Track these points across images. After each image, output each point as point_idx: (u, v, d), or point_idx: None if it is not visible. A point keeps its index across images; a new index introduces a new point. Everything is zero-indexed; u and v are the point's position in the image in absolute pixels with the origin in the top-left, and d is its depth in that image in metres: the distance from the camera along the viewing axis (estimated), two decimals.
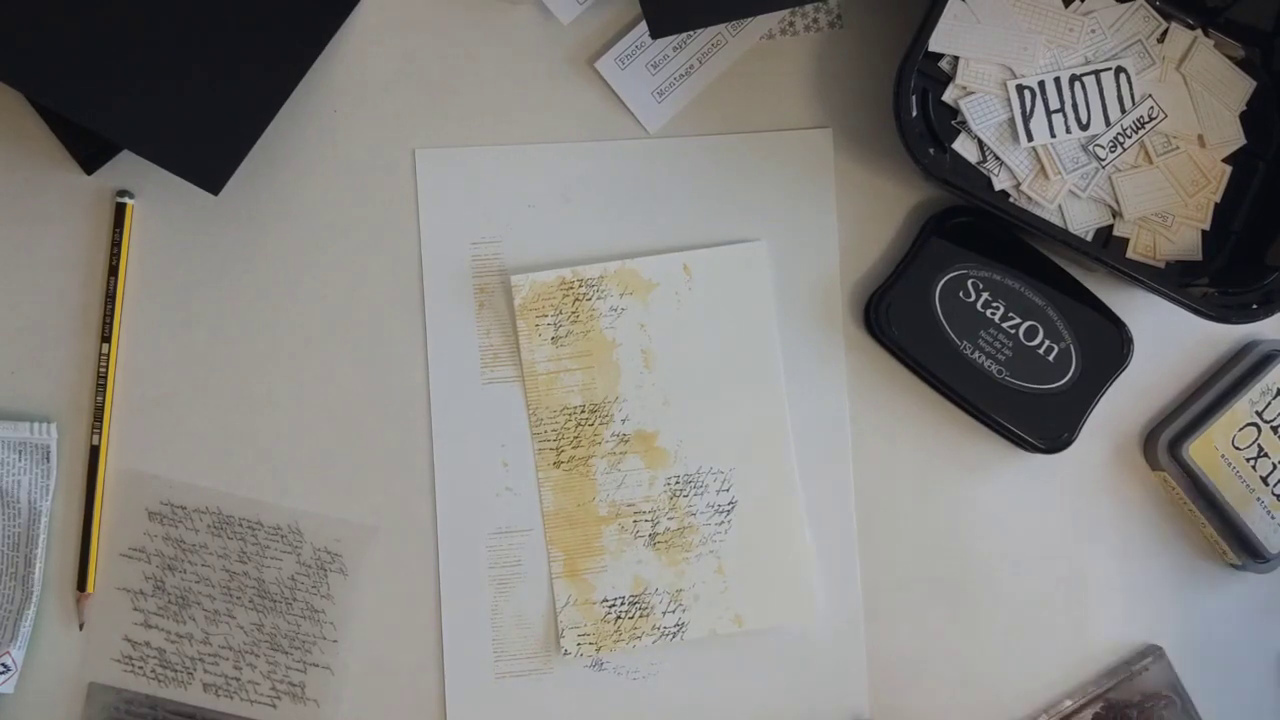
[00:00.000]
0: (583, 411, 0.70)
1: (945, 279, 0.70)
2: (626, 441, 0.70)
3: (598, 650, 0.69)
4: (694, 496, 0.70)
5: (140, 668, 0.68)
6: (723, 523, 0.70)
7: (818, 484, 0.71)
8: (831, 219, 0.72)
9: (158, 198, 0.70)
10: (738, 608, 0.70)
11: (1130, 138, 0.71)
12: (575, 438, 0.70)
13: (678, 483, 0.70)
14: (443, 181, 0.70)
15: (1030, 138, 0.70)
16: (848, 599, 0.71)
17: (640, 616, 0.69)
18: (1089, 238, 0.71)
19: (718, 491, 0.70)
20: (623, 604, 0.69)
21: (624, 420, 0.70)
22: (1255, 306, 0.67)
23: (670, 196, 0.71)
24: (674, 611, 0.69)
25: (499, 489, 0.70)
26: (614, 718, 0.70)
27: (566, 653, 0.69)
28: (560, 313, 0.70)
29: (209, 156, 0.66)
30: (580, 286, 0.70)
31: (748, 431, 0.70)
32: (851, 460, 0.71)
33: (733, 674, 0.70)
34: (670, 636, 0.69)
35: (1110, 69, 0.71)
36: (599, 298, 0.70)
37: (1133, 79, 0.71)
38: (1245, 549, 0.70)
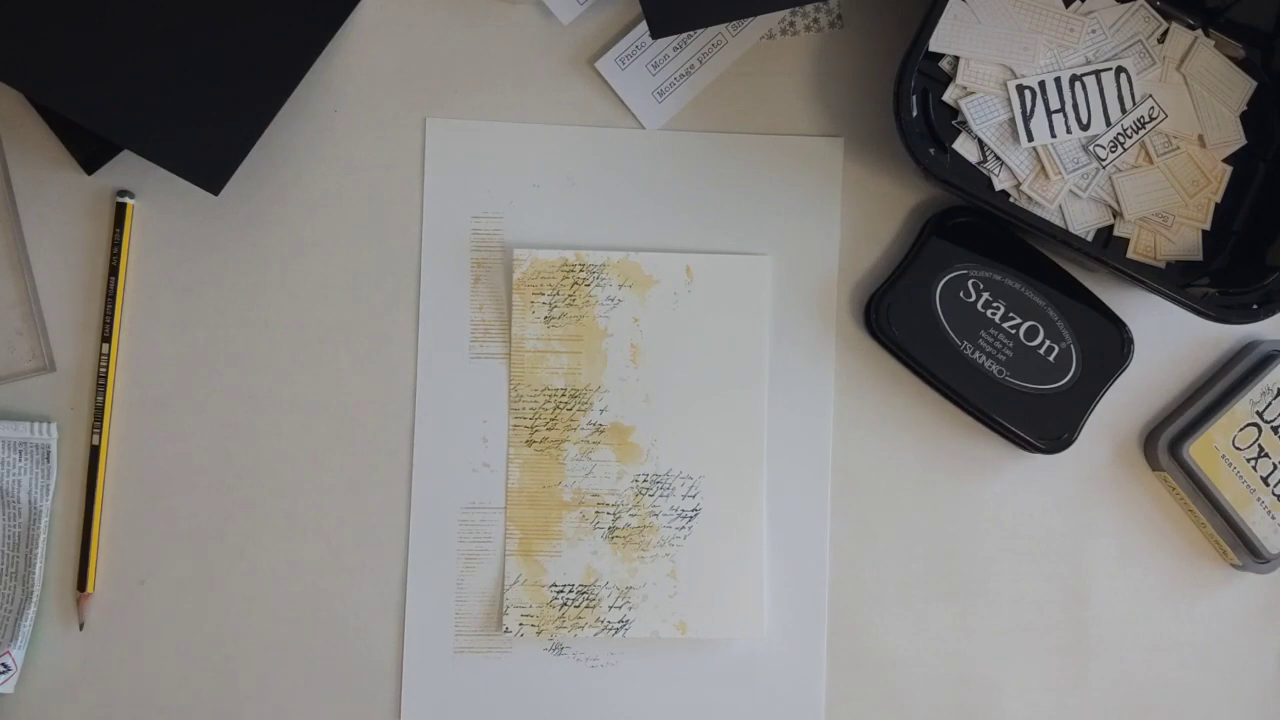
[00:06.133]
0: (563, 395, 0.70)
1: (946, 279, 0.70)
2: (602, 432, 0.70)
3: (538, 634, 0.69)
4: (659, 497, 0.70)
5: None
6: (684, 528, 0.70)
7: (793, 500, 0.71)
8: (836, 225, 0.72)
9: (158, 198, 0.70)
10: (683, 614, 0.70)
11: (1131, 138, 0.71)
12: (552, 420, 0.70)
13: (645, 481, 0.70)
14: (450, 152, 0.70)
15: (1030, 138, 0.70)
16: (811, 618, 0.71)
17: (586, 607, 0.69)
18: (1089, 238, 0.71)
19: (683, 496, 0.70)
20: (571, 592, 0.70)
21: (602, 410, 0.70)
22: (1255, 306, 0.67)
23: (674, 194, 0.71)
24: (620, 608, 0.70)
25: (476, 464, 0.70)
26: (567, 703, 0.70)
27: (507, 630, 0.69)
28: (557, 293, 0.70)
29: (209, 156, 0.66)
30: (581, 270, 0.70)
31: (723, 443, 0.70)
32: (830, 481, 0.71)
33: (690, 675, 0.70)
34: (613, 632, 0.69)
35: (1111, 69, 0.71)
36: (598, 285, 0.70)
37: (1133, 79, 0.71)
38: (1245, 549, 0.70)
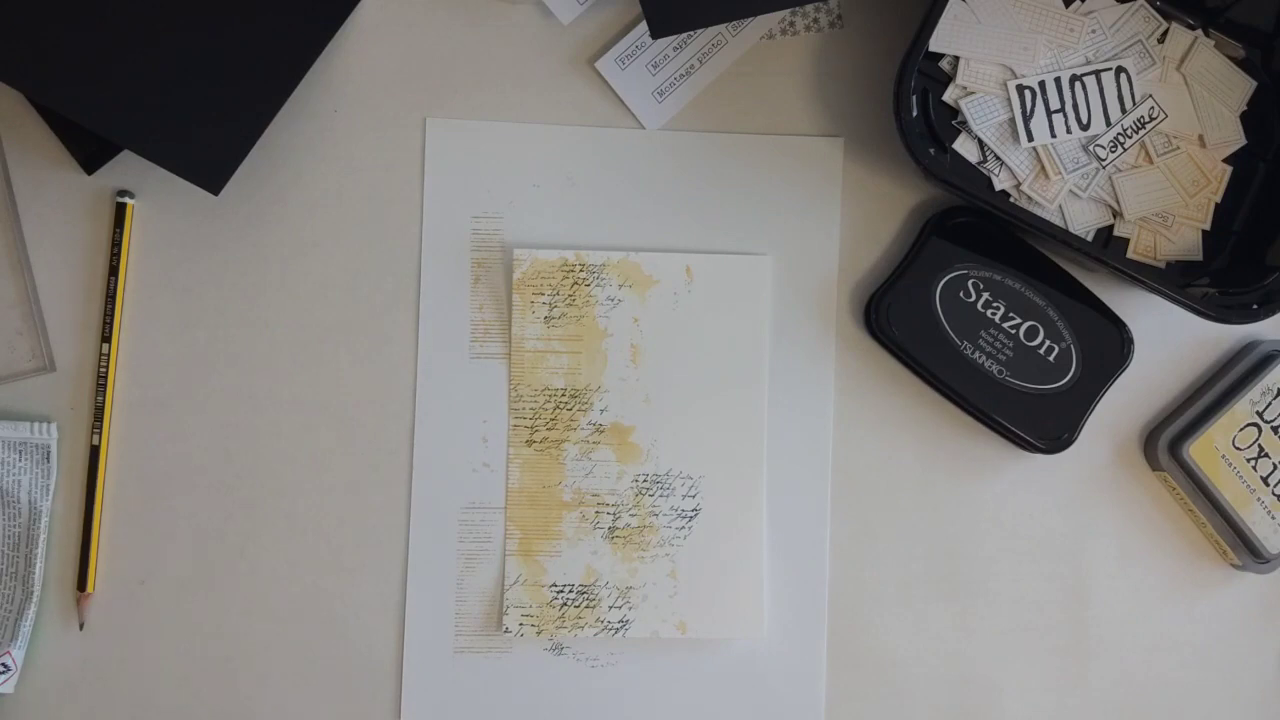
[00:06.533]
0: (563, 395, 0.70)
1: (946, 279, 0.70)
2: (602, 432, 0.70)
3: (538, 634, 0.69)
4: (659, 497, 0.70)
5: None
6: (684, 528, 0.70)
7: (793, 500, 0.71)
8: (836, 225, 0.72)
9: (158, 198, 0.70)
10: (684, 614, 0.70)
11: (1131, 138, 0.71)
12: (552, 420, 0.70)
13: (645, 481, 0.70)
14: (450, 152, 0.70)
15: (1030, 138, 0.70)
16: (811, 618, 0.71)
17: (586, 607, 0.70)
18: (1089, 238, 0.71)
19: (683, 496, 0.70)
20: (571, 592, 0.70)
21: (602, 410, 0.70)
22: (1255, 306, 0.67)
23: (674, 194, 0.71)
24: (620, 608, 0.70)
25: (476, 464, 0.70)
26: (567, 703, 0.70)
27: (508, 630, 0.69)
28: (557, 293, 0.70)
29: (209, 156, 0.66)
30: (581, 270, 0.70)
31: (723, 443, 0.70)
32: (830, 481, 0.71)
33: (690, 675, 0.70)
34: (613, 632, 0.69)
35: (1111, 69, 0.71)
36: (598, 285, 0.70)
37: (1133, 79, 0.71)
38: (1245, 549, 0.70)
